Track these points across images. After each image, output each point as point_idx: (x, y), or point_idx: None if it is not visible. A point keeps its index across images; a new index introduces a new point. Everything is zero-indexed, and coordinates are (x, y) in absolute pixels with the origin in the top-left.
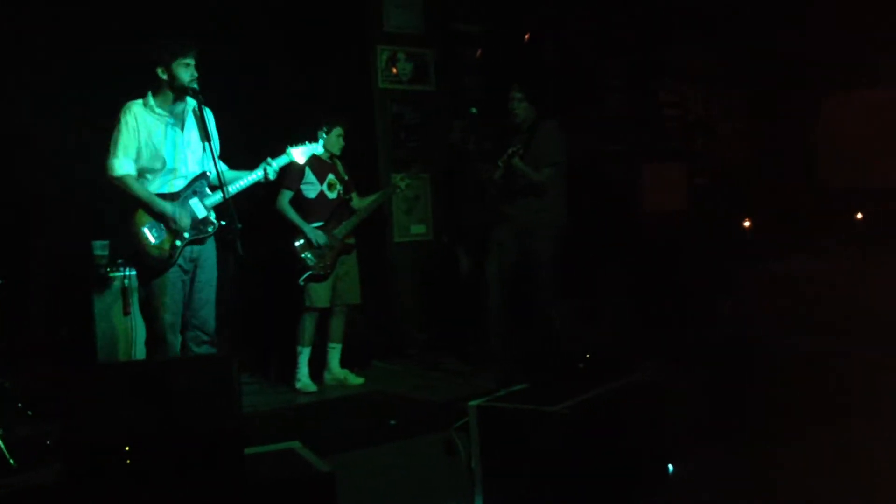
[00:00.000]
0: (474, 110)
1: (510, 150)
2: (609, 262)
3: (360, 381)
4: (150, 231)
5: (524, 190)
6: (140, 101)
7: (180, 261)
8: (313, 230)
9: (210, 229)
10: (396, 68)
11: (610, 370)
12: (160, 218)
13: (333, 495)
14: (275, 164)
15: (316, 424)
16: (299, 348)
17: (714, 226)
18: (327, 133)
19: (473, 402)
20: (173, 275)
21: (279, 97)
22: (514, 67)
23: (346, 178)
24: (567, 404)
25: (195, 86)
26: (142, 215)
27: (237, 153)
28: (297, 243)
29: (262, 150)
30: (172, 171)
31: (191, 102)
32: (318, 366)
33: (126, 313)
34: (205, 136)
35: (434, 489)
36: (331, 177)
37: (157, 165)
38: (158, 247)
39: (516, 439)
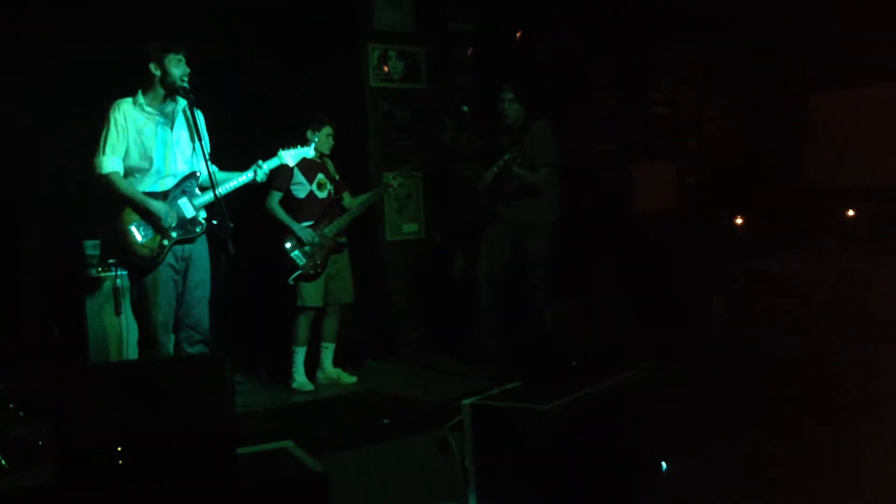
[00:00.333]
0: (466, 109)
1: (507, 157)
2: (601, 261)
3: (353, 380)
4: (138, 229)
5: (518, 190)
6: (129, 100)
7: (171, 260)
8: (303, 229)
9: (198, 229)
10: (388, 66)
11: (603, 369)
12: (147, 217)
13: (326, 495)
14: (265, 167)
15: (309, 424)
16: (295, 348)
17: (706, 224)
18: (316, 132)
19: (467, 401)
20: (165, 274)
21: (270, 96)
22: (505, 66)
23: (338, 177)
24: (560, 403)
25: (186, 85)
26: (129, 214)
27: (228, 153)
28: (286, 243)
29: (253, 150)
30: (161, 170)
31: (181, 102)
32: (311, 365)
33: (118, 313)
34: (195, 135)
35: (427, 488)
36: (320, 176)
37: (146, 164)
38: (145, 245)
39: (510, 438)
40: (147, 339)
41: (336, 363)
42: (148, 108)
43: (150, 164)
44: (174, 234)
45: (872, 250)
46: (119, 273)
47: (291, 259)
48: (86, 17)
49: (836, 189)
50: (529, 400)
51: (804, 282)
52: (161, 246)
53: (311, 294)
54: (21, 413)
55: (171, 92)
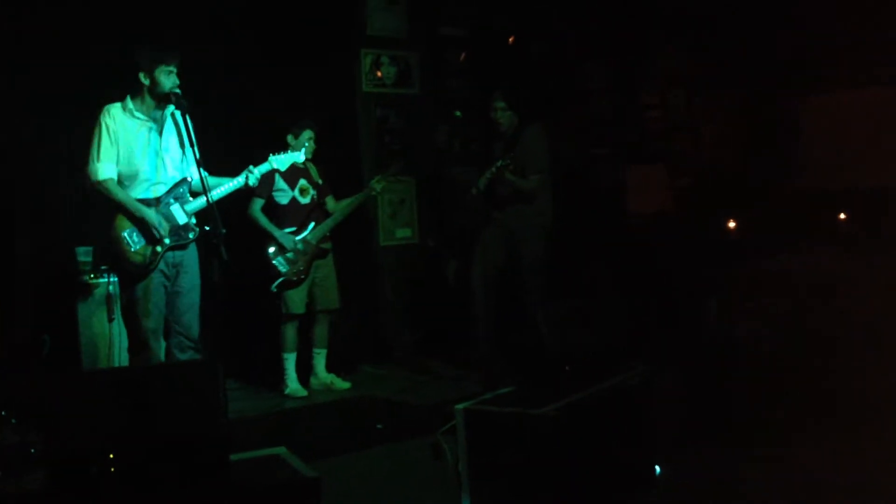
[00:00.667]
0: (458, 113)
1: (500, 164)
2: (594, 264)
3: (346, 385)
4: (131, 236)
5: (511, 196)
6: (119, 105)
7: (162, 266)
8: (285, 235)
9: (191, 235)
10: (381, 72)
11: (597, 372)
12: (140, 223)
13: (319, 500)
14: (256, 172)
15: (303, 429)
16: (284, 355)
17: (698, 227)
18: (296, 137)
19: (460, 406)
20: (156, 280)
21: (262, 101)
22: (497, 70)
23: (321, 182)
24: (553, 407)
25: (178, 91)
26: (122, 220)
27: (219, 158)
28: (269, 249)
29: (244, 155)
30: (152, 177)
31: (170, 107)
32: (304, 371)
33: (110, 320)
34: (185, 141)
35: (421, 493)
36: (302, 182)
37: (136, 170)
38: (138, 253)
39: (503, 442)
40: (137, 345)
41: (330, 368)
42: (137, 114)
43: (141, 171)
44: (167, 241)
45: (866, 252)
46: (111, 279)
47: (273, 266)
48: (75, 21)
49: (829, 191)
50: (523, 404)
51: (798, 284)
52: (154, 253)
53: (294, 301)
54: (13, 420)
55: (162, 100)
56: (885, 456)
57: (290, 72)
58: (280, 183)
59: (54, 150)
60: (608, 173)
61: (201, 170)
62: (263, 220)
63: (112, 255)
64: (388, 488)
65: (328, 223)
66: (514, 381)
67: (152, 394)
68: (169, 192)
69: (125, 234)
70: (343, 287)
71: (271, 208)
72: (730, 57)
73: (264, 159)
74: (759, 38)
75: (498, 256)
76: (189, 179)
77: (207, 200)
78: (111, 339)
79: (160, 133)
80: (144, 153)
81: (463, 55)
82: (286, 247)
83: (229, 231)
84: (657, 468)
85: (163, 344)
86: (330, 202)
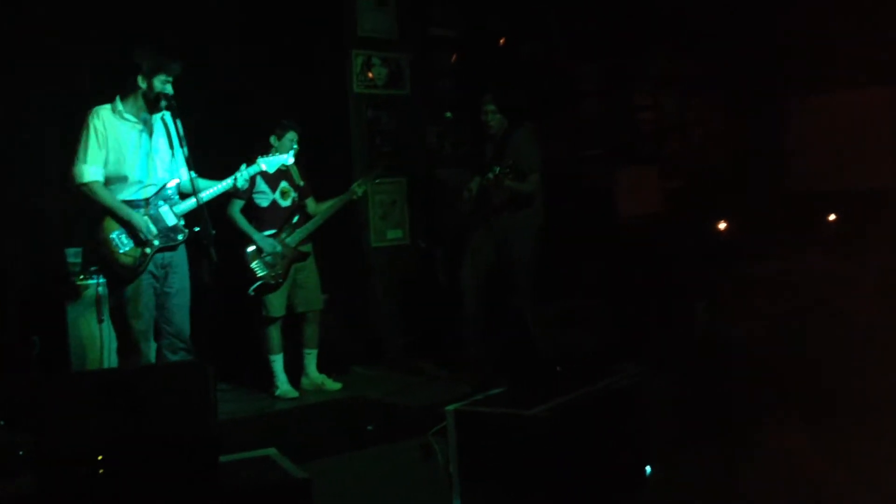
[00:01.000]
0: (449, 115)
1: (497, 171)
2: (585, 266)
3: (337, 386)
4: (119, 239)
5: (506, 200)
6: (108, 107)
7: (151, 267)
8: (263, 238)
9: (180, 237)
10: (372, 73)
11: (587, 373)
12: (128, 226)
13: (309, 501)
14: (245, 174)
15: (293, 430)
16: (270, 357)
17: (689, 228)
18: (279, 139)
19: (451, 407)
20: (145, 282)
21: (253, 103)
22: (489, 72)
23: (302, 184)
24: (544, 408)
25: (170, 92)
26: (110, 223)
27: (209, 159)
28: (247, 251)
29: (235, 157)
30: (142, 179)
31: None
32: (296, 372)
33: (100, 321)
34: (175, 143)
35: (412, 494)
36: (283, 184)
37: (126, 172)
38: (127, 255)
39: (494, 443)
40: (127, 347)
41: (321, 369)
42: (128, 116)
43: (131, 173)
44: (156, 243)
45: (856, 254)
46: (101, 281)
47: (251, 270)
48: (64, 21)
49: (818, 192)
50: (514, 405)
51: (788, 285)
52: (143, 255)
53: (274, 304)
54: (2, 422)
55: (153, 102)
56: (884, 456)
57: (280, 73)
58: (261, 185)
59: (44, 151)
60: (599, 175)
61: (191, 171)
62: (242, 222)
63: (100, 257)
64: (380, 489)
65: (308, 227)
66: (504, 382)
67: (142, 395)
68: (157, 193)
69: (113, 236)
70: (334, 288)
71: (251, 210)
72: (721, 59)
73: (252, 161)
74: (749, 41)
75: (488, 258)
76: (178, 181)
77: (197, 202)
78: (101, 341)
79: (150, 135)
80: (135, 155)
81: (454, 57)
82: (265, 250)
83: (218, 232)
84: (648, 469)
85: (153, 346)
86: (310, 204)
